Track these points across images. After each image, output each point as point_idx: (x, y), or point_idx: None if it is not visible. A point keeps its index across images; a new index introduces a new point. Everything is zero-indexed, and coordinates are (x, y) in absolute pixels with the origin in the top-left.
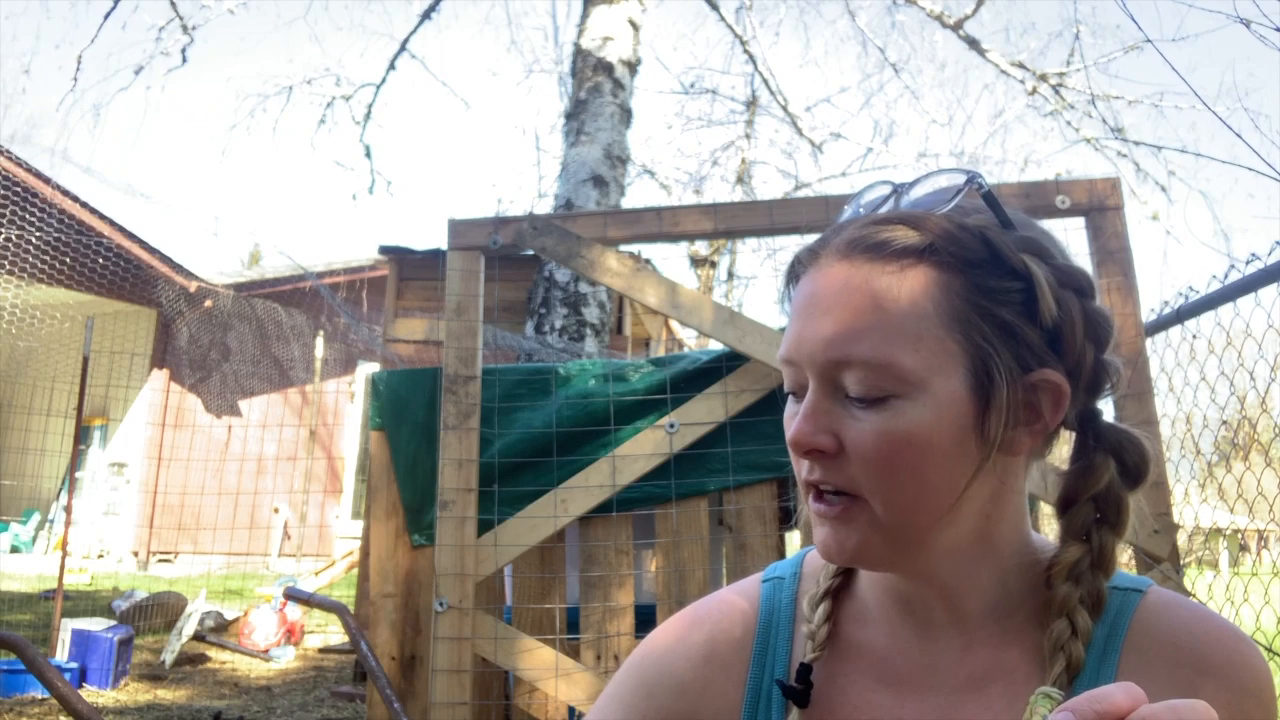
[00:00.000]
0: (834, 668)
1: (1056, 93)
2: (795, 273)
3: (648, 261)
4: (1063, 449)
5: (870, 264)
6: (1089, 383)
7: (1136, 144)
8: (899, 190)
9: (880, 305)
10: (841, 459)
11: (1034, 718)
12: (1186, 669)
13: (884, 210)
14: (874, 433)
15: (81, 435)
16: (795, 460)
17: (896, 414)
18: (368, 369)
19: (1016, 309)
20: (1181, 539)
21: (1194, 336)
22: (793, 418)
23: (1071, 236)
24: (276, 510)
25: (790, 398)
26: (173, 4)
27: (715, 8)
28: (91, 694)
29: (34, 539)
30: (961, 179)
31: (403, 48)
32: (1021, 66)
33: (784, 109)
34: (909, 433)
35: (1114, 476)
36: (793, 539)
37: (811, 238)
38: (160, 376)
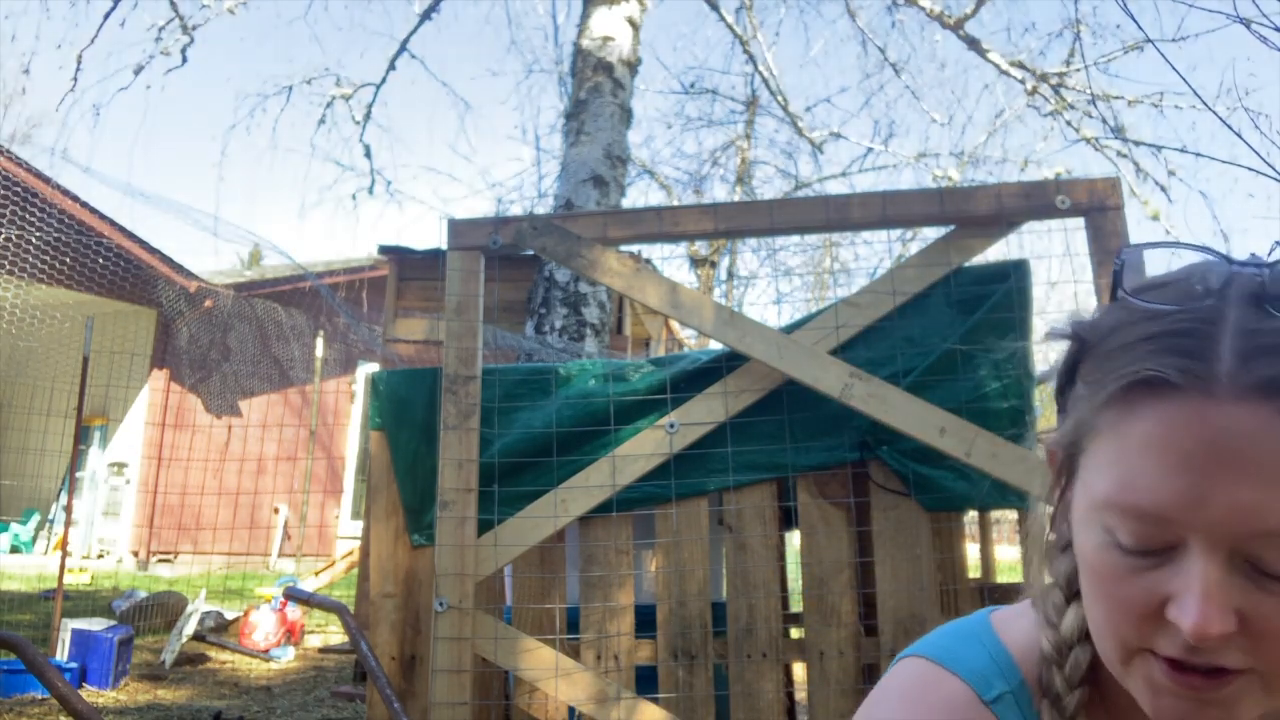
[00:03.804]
0: None
1: (1056, 93)
2: (1150, 386)
3: (648, 261)
4: None
5: None
6: None
7: (1136, 144)
8: (1272, 270)
9: None
10: (1241, 639)
11: None
12: None
13: (1239, 295)
14: None
15: (81, 435)
16: (1139, 632)
17: None
18: (368, 369)
19: None
20: None
21: None
22: (1140, 573)
23: (1071, 236)
24: (276, 510)
25: (1125, 553)
26: (173, 4)
27: (715, 8)
28: (91, 694)
29: (34, 539)
30: None
31: (403, 48)
32: (1021, 66)
33: (784, 109)
34: None
35: None
36: (793, 539)
37: (815, 238)
38: (160, 376)
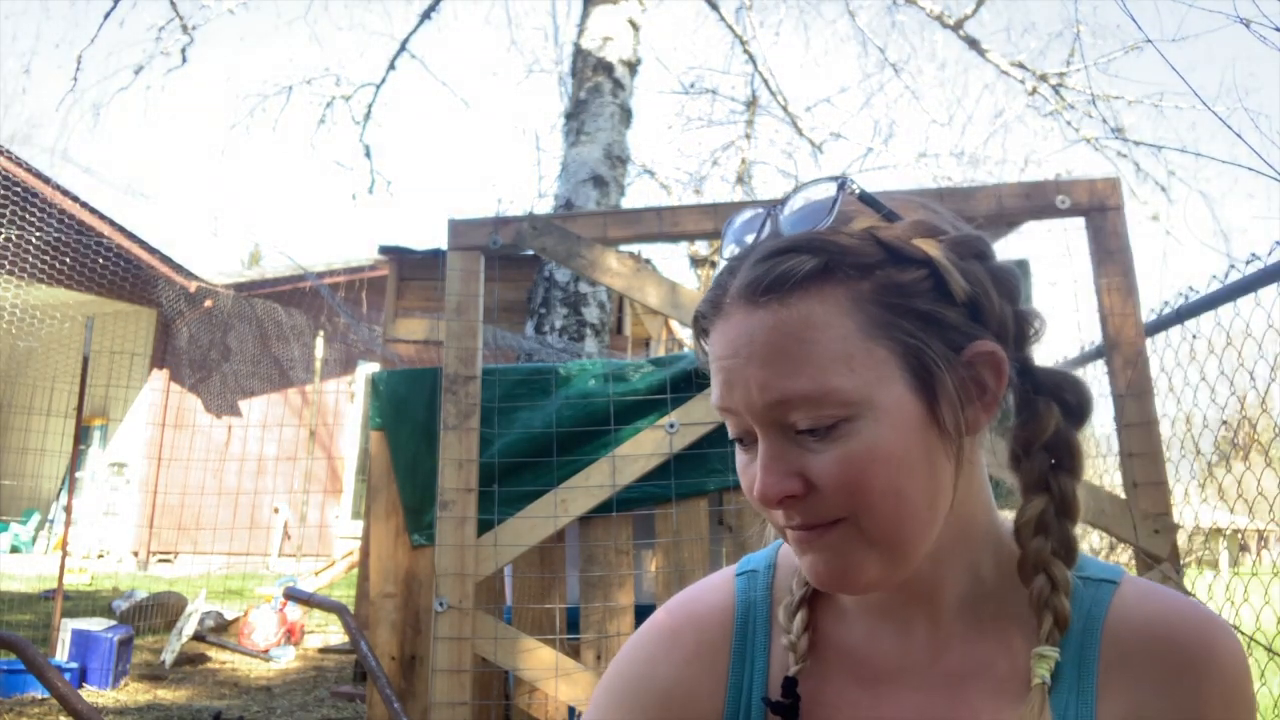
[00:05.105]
0: (811, 665)
1: (1056, 93)
2: (703, 328)
3: (648, 261)
4: None
5: (778, 301)
6: (1015, 337)
7: (1136, 144)
8: (771, 212)
9: (801, 338)
10: (815, 496)
11: (1034, 680)
12: (1165, 663)
13: (763, 234)
14: (837, 461)
15: (81, 435)
16: (768, 513)
17: (852, 436)
18: (368, 369)
19: (929, 295)
20: (1181, 539)
21: (1194, 336)
22: (746, 466)
23: (1071, 236)
24: (276, 510)
25: (738, 445)
26: (173, 4)
27: (715, 8)
28: (91, 694)
29: (34, 539)
30: (833, 188)
31: (403, 48)
32: (1021, 66)
33: (784, 109)
34: (870, 450)
35: (1060, 419)
36: None
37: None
38: (160, 376)
